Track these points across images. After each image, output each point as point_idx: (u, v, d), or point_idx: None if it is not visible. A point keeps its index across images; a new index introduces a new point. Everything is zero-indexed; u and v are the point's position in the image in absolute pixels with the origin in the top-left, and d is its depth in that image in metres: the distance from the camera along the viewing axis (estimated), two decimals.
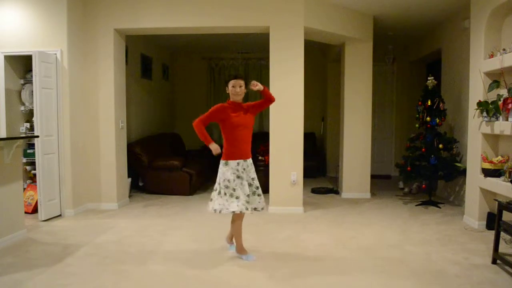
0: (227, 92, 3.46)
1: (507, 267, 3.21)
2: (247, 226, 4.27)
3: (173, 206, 5.49)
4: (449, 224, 4.57)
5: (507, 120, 3.81)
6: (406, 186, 6.37)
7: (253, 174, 3.49)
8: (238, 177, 3.39)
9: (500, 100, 3.94)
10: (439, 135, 5.42)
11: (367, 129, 5.99)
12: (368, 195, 6.06)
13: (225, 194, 3.37)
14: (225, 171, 3.39)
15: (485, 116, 4.14)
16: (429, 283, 2.99)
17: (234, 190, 3.36)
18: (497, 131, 4.00)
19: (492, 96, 4.12)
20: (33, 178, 5.19)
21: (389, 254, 3.61)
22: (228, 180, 3.37)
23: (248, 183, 3.43)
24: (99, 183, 5.32)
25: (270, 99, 3.52)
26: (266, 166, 5.80)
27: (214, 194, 3.45)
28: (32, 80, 4.70)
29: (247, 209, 3.36)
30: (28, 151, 5.10)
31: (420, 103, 5.53)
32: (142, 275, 3.15)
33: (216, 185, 3.45)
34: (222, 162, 3.43)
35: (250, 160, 3.49)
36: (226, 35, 6.32)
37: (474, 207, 4.46)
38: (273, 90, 5.17)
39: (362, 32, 5.78)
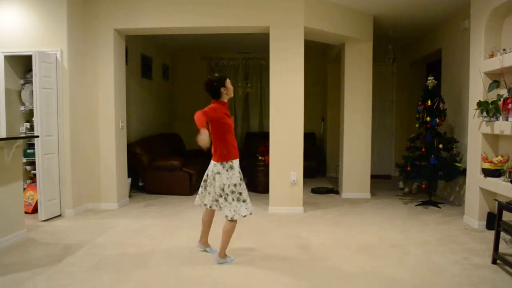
0: (223, 91, 3.29)
1: (507, 267, 3.21)
2: (247, 226, 4.28)
3: (173, 206, 5.49)
4: (449, 224, 4.57)
5: (507, 120, 3.81)
6: (406, 186, 6.36)
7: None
8: (241, 179, 3.38)
9: (500, 100, 3.94)
10: (439, 135, 5.42)
11: (367, 129, 6.00)
12: (368, 195, 6.06)
13: (232, 199, 3.29)
14: (232, 175, 3.28)
15: (485, 116, 4.14)
16: (429, 283, 2.99)
17: (240, 194, 3.31)
18: (497, 131, 4.00)
19: (492, 96, 4.12)
20: (33, 178, 5.19)
21: (389, 254, 3.61)
22: (234, 185, 3.29)
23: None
24: (99, 183, 5.32)
25: None
26: (266, 166, 5.80)
27: (223, 201, 3.31)
28: (32, 80, 4.70)
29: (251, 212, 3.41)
30: (28, 151, 5.10)
31: (420, 103, 5.53)
32: (142, 275, 3.15)
33: (220, 192, 3.30)
34: (225, 165, 3.27)
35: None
36: (226, 35, 6.33)
37: (474, 207, 4.46)
38: (273, 90, 5.19)
39: (362, 32, 5.78)
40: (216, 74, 3.38)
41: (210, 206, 3.50)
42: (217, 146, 3.31)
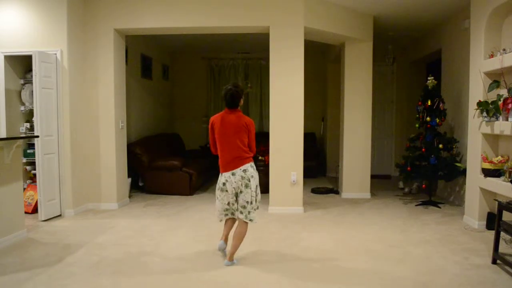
0: (241, 102, 3.38)
1: (507, 267, 3.21)
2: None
3: (173, 206, 5.49)
4: (449, 224, 4.57)
5: (507, 120, 3.81)
6: (406, 186, 6.36)
7: None
8: None
9: (500, 100, 3.94)
10: (439, 135, 5.42)
11: (367, 129, 5.99)
12: (368, 195, 6.06)
13: (256, 201, 3.41)
14: (257, 175, 3.40)
15: (485, 116, 4.14)
16: (429, 283, 2.99)
17: (257, 194, 3.42)
18: (497, 131, 4.00)
19: (492, 96, 4.12)
20: (33, 178, 5.19)
21: (389, 254, 3.61)
22: (256, 186, 3.39)
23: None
24: (99, 183, 5.32)
25: None
26: (266, 166, 5.80)
27: (255, 205, 3.36)
28: (32, 80, 4.70)
29: None
30: (28, 151, 5.10)
31: (420, 103, 5.53)
32: (142, 275, 3.15)
33: (254, 194, 3.32)
34: (254, 165, 3.39)
35: None
36: (226, 35, 6.33)
37: (474, 207, 4.46)
38: (273, 90, 5.19)
39: (362, 32, 5.78)
40: (239, 84, 3.45)
41: (232, 213, 3.44)
42: (245, 149, 3.31)
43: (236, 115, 3.32)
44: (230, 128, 3.28)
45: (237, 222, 3.46)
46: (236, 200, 3.34)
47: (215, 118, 3.37)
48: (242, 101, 3.37)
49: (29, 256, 3.53)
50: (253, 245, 3.83)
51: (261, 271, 3.23)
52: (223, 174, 3.33)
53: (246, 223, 3.36)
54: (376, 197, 6.06)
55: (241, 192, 3.29)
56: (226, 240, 3.57)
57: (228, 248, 3.48)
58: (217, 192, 3.40)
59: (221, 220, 3.51)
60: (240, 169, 3.27)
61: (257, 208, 3.40)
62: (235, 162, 3.28)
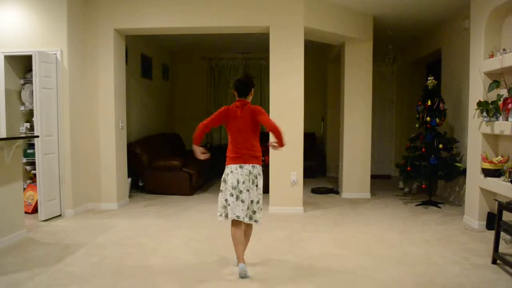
0: (252, 92, 3.33)
1: (507, 267, 3.21)
2: None
3: (173, 206, 5.49)
4: (449, 224, 4.57)
5: (507, 120, 3.81)
6: (406, 186, 6.36)
7: None
8: None
9: (500, 100, 3.95)
10: (439, 135, 5.42)
11: (367, 129, 6.00)
12: (368, 195, 6.05)
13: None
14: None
15: (485, 116, 4.14)
16: (429, 283, 2.99)
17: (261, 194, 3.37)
18: (497, 131, 4.00)
19: (492, 96, 4.12)
20: (33, 178, 5.19)
21: (389, 254, 3.61)
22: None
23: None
24: (99, 183, 5.32)
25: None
26: (266, 166, 5.80)
27: (261, 205, 3.27)
28: (32, 80, 4.69)
29: None
30: (28, 151, 5.10)
31: (420, 103, 5.53)
32: (142, 275, 3.15)
33: (260, 192, 3.26)
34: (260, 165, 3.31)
35: None
36: (226, 35, 6.33)
37: (474, 207, 4.46)
38: (273, 90, 5.19)
39: (362, 32, 5.78)
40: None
41: (244, 218, 3.13)
42: (257, 147, 3.29)
43: (248, 109, 3.22)
44: (245, 125, 3.22)
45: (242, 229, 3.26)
46: (237, 198, 3.13)
47: (227, 109, 3.26)
48: (252, 92, 3.31)
49: (29, 256, 3.53)
50: (253, 245, 3.82)
51: (261, 272, 3.22)
52: (230, 165, 3.23)
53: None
54: (376, 197, 6.06)
55: (247, 190, 3.15)
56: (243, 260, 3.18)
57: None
58: (222, 184, 3.28)
59: (221, 215, 3.24)
60: (250, 165, 3.20)
61: (261, 209, 3.28)
62: (246, 157, 3.21)
